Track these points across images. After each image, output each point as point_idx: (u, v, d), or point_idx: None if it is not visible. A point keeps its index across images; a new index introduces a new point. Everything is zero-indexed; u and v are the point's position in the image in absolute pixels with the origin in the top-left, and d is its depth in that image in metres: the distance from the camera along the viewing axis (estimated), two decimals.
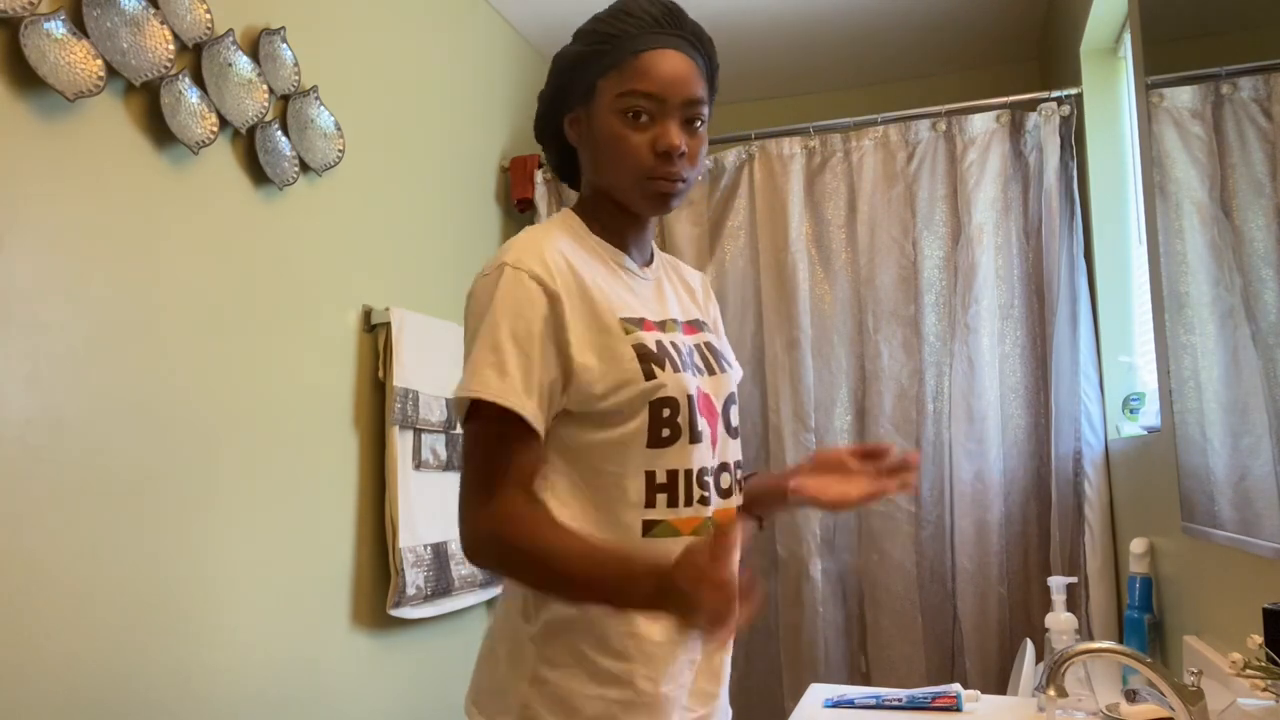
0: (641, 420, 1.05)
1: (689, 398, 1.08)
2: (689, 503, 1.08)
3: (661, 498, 1.07)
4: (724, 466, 1.14)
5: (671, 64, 1.08)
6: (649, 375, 1.05)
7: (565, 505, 1.06)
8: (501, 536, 1.00)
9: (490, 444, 1.02)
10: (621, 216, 1.15)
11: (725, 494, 1.14)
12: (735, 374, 1.20)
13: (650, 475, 1.06)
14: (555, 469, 1.07)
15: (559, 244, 1.09)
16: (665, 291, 1.19)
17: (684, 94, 1.08)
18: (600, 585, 0.98)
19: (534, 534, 1.00)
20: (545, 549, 0.99)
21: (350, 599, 2.02)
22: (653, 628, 1.06)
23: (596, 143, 1.11)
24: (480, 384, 1.01)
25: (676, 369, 1.08)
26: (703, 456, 1.10)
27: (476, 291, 1.08)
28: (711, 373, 1.15)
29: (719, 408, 1.15)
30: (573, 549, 0.99)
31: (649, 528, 1.06)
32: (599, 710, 1.04)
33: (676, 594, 0.91)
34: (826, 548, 2.64)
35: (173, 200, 1.65)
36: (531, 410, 1.02)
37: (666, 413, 1.06)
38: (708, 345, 1.18)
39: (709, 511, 1.10)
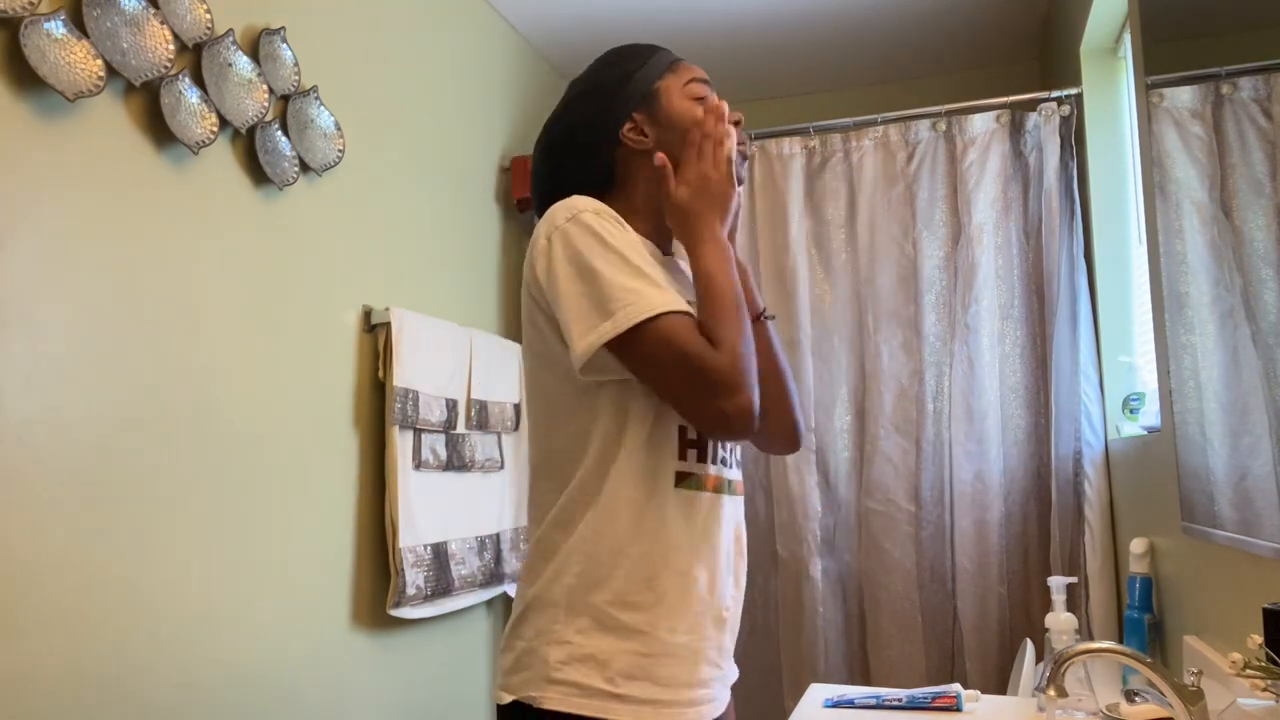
0: None
1: None
2: (714, 461, 1.14)
3: (692, 453, 1.13)
4: None
5: None
6: None
7: (607, 451, 1.09)
8: (729, 359, 1.04)
9: (681, 341, 1.04)
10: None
11: (739, 463, 1.21)
12: None
13: (683, 430, 1.12)
14: (604, 416, 1.10)
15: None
16: (686, 278, 1.26)
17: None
18: (722, 269, 1.11)
19: (712, 329, 1.06)
20: (718, 320, 1.06)
21: (350, 599, 2.02)
22: (670, 576, 1.08)
23: (676, 128, 1.21)
24: (654, 304, 1.04)
25: None
26: None
27: (558, 244, 1.08)
28: None
29: None
30: (708, 288, 1.09)
31: (681, 479, 1.11)
32: (626, 663, 1.06)
33: (703, 174, 1.15)
34: (826, 548, 2.64)
35: (173, 200, 1.65)
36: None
37: None
38: None
39: (727, 474, 1.16)
